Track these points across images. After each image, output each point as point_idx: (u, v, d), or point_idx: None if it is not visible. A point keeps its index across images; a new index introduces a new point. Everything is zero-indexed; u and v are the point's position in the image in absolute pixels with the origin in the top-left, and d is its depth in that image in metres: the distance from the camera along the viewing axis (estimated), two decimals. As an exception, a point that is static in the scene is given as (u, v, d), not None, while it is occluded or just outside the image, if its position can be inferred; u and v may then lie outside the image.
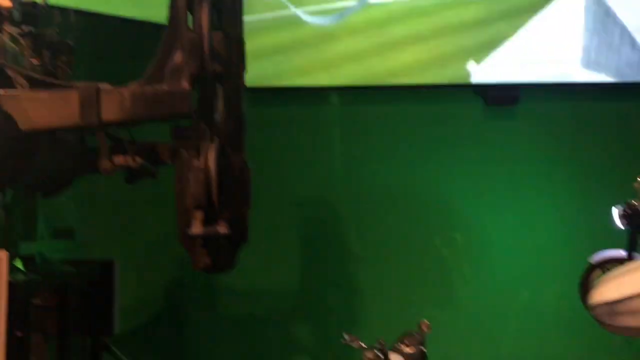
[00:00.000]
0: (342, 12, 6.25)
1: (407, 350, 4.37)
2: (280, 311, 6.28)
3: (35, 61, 3.55)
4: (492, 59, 6.15)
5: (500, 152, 6.34)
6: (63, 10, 4.05)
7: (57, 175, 3.86)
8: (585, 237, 5.89)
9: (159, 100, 3.30)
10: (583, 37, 6.13)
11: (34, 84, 3.39)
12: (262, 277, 6.26)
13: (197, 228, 3.40)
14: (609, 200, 5.49)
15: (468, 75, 6.18)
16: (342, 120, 6.47)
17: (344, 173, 6.40)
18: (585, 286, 5.15)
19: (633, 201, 5.27)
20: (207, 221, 3.43)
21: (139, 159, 3.70)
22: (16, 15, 3.60)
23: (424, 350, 4.72)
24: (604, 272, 5.08)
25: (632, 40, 6.08)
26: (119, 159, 3.65)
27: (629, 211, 5.26)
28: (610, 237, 5.36)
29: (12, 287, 3.18)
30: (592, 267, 5.44)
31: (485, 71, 6.18)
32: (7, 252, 3.18)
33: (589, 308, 4.64)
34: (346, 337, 4.14)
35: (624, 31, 6.09)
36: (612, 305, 4.50)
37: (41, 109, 3.28)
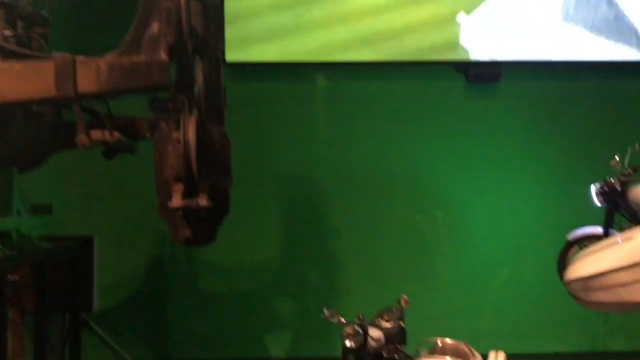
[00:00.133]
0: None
1: (386, 325, 4.40)
2: (261, 286, 6.30)
3: (8, 32, 3.45)
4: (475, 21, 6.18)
5: (481, 130, 6.36)
6: (37, -19, 3.96)
7: (33, 150, 3.79)
8: (566, 214, 5.96)
9: (136, 71, 3.23)
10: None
11: (7, 55, 3.30)
12: (244, 252, 6.27)
13: (177, 200, 3.37)
14: (590, 177, 5.56)
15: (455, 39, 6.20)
16: (323, 97, 6.43)
17: (325, 149, 6.39)
18: (563, 262, 5.23)
19: (611, 179, 5.34)
20: (187, 194, 3.40)
21: (116, 134, 3.64)
22: (-12, -14, 3.50)
23: (403, 325, 4.77)
24: (581, 249, 5.16)
25: (609, -3, 6.22)
26: (97, 134, 3.58)
27: (606, 189, 5.34)
28: (591, 214, 5.44)
29: (-12, 263, 3.14)
30: (570, 244, 5.52)
31: (468, 42, 6.19)
32: (-18, 228, 3.14)
33: (565, 283, 4.72)
34: (326, 312, 4.14)
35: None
36: (587, 280, 4.58)
37: (15, 81, 3.19)
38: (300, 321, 6.25)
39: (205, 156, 3.47)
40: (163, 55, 3.24)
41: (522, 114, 6.38)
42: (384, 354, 4.36)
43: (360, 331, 4.03)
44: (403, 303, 4.81)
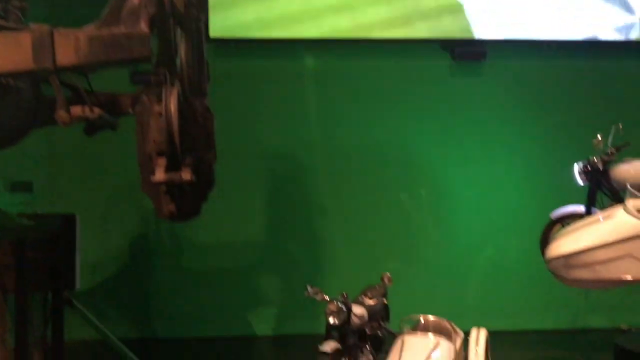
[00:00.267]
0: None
1: (370, 302, 4.44)
2: (245, 264, 6.29)
3: (-16, 5, 3.37)
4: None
5: (466, 108, 6.36)
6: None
7: (11, 126, 3.72)
8: (551, 193, 5.99)
9: (116, 43, 3.16)
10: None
11: (-17, 27, 3.23)
12: (228, 230, 6.25)
13: (159, 175, 3.33)
14: (575, 156, 5.58)
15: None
16: (309, 75, 6.38)
17: (311, 127, 6.36)
18: (546, 241, 5.27)
19: (593, 158, 5.37)
20: (170, 168, 3.36)
21: (97, 110, 3.57)
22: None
23: (386, 302, 4.81)
24: (563, 227, 5.21)
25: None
26: (77, 110, 3.51)
27: (589, 168, 5.37)
28: (576, 193, 5.47)
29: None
30: (553, 222, 5.57)
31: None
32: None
33: (546, 261, 4.77)
34: (309, 289, 4.17)
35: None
36: (567, 258, 4.63)
37: (-8, 53, 3.13)
38: (285, 299, 6.27)
39: (188, 129, 3.42)
40: (144, 27, 3.17)
41: (507, 92, 6.39)
42: (367, 331, 4.41)
43: (344, 308, 4.06)
44: (386, 280, 4.85)
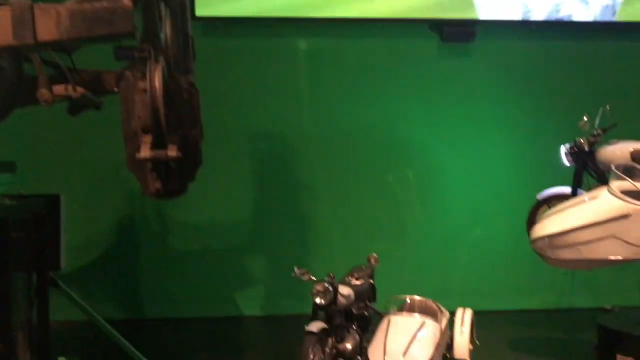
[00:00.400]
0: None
1: (356, 282, 4.45)
2: (233, 244, 6.29)
3: (-40, -20, 3.28)
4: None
5: (455, 89, 6.34)
6: None
7: (-8, 106, 3.67)
8: (539, 174, 6.00)
9: (98, 18, 3.08)
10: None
11: (-41, 2, 3.15)
12: (216, 210, 6.24)
13: (145, 152, 3.28)
14: (564, 137, 5.59)
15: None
16: (296, 55, 6.33)
17: (299, 107, 6.33)
18: (532, 221, 5.30)
19: (580, 139, 5.38)
20: (156, 145, 3.32)
21: (80, 89, 3.52)
22: None
23: (373, 282, 4.84)
24: (549, 208, 5.23)
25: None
26: (59, 89, 3.46)
27: (575, 149, 5.39)
28: (565, 174, 5.49)
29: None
30: (539, 203, 5.59)
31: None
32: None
33: (531, 242, 4.80)
34: (296, 270, 4.17)
35: None
36: (552, 238, 4.66)
37: (-31, 29, 3.06)
38: (273, 279, 6.27)
39: (173, 105, 3.38)
40: (126, 1, 3.10)
41: (496, 73, 6.37)
42: (354, 311, 4.43)
43: (330, 289, 4.07)
44: (373, 261, 4.86)
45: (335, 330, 4.18)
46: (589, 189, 5.20)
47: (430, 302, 4.66)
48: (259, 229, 6.32)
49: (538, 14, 6.30)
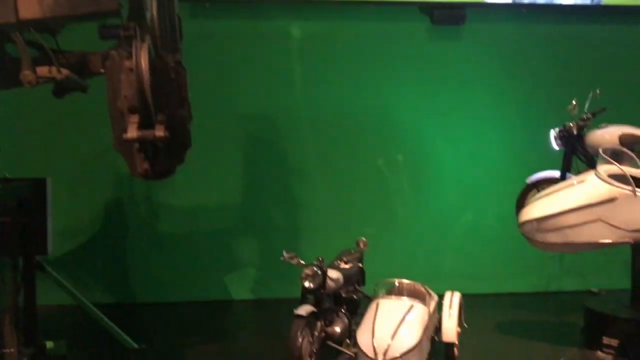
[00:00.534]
0: None
1: (345, 266, 4.46)
2: (222, 228, 6.26)
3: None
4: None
5: (445, 72, 6.32)
6: None
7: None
8: (530, 158, 5.99)
9: None
10: None
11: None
12: (205, 193, 6.20)
13: (132, 132, 3.25)
14: (555, 120, 5.59)
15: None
16: (285, 37, 6.27)
17: (289, 90, 6.28)
18: (521, 205, 5.31)
19: (569, 123, 5.39)
20: (143, 125, 3.28)
21: (65, 71, 3.47)
22: None
23: (362, 266, 4.84)
24: (538, 192, 5.25)
25: None
26: (43, 70, 3.41)
27: (565, 133, 5.39)
28: (556, 158, 5.49)
29: None
30: (528, 187, 5.61)
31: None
32: None
33: (519, 225, 4.82)
34: (285, 254, 4.17)
35: None
36: (539, 222, 4.67)
37: (-50, 8, 2.99)
38: (262, 263, 6.27)
39: (160, 85, 3.34)
40: None
41: (487, 56, 6.35)
42: (343, 294, 4.44)
43: (319, 272, 4.07)
44: (362, 245, 4.87)
45: (324, 314, 4.18)
46: (578, 173, 5.22)
47: (419, 286, 4.67)
48: (249, 213, 6.30)
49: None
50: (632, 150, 4.87)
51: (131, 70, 3.18)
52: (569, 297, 6.17)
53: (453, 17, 6.22)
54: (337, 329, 4.20)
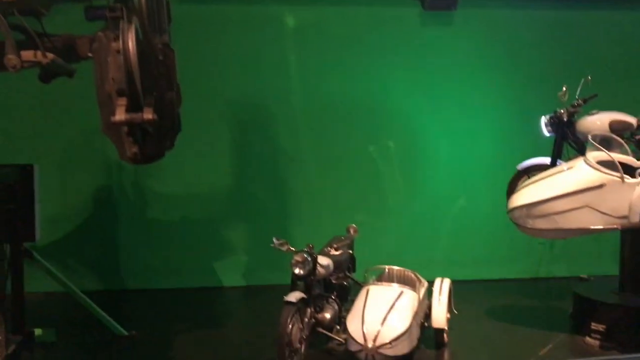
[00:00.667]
0: None
1: (335, 253, 4.46)
2: (212, 215, 6.24)
3: None
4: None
5: (437, 58, 6.28)
6: None
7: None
8: (523, 144, 5.97)
9: None
10: None
11: None
12: (195, 179, 6.17)
13: (120, 115, 3.20)
14: (547, 106, 5.57)
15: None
16: (276, 23, 6.21)
17: (280, 75, 6.23)
18: (512, 192, 5.30)
19: (560, 110, 5.38)
20: (132, 109, 3.23)
21: (50, 55, 3.41)
22: None
23: (352, 253, 4.84)
24: (529, 178, 5.24)
25: None
26: (28, 55, 3.35)
27: (555, 119, 5.38)
28: (550, 144, 5.47)
29: None
30: (519, 174, 5.60)
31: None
32: None
33: (508, 211, 4.82)
34: (275, 241, 4.15)
35: None
36: (528, 208, 4.67)
37: None
38: (253, 250, 6.25)
39: (148, 66, 3.29)
40: None
41: (479, 42, 6.32)
42: (333, 281, 4.44)
43: (309, 259, 4.06)
44: (352, 232, 4.87)
45: (314, 300, 4.18)
46: (569, 159, 5.21)
47: (409, 272, 4.68)
48: (239, 200, 6.28)
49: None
50: (622, 137, 4.87)
51: (118, 52, 3.13)
52: (558, 283, 6.21)
53: (445, 2, 6.18)
54: (327, 316, 4.20)
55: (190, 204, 6.19)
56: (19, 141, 5.75)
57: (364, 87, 6.27)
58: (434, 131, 6.37)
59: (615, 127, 5.09)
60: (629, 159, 4.61)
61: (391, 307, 4.05)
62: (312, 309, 4.15)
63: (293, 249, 4.14)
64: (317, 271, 4.13)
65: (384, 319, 3.98)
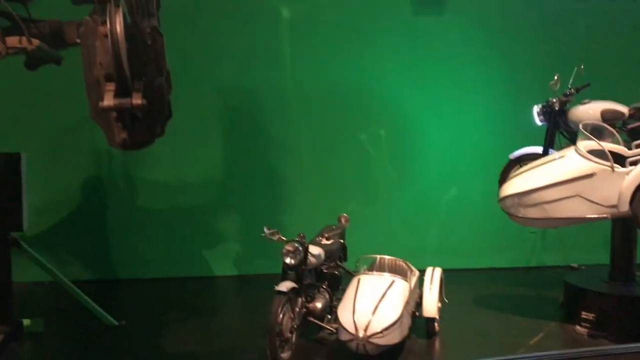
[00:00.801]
0: None
1: (327, 242, 4.44)
2: (203, 203, 6.19)
3: None
4: None
5: (428, 46, 6.24)
6: None
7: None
8: (515, 133, 5.95)
9: None
10: None
11: None
12: (185, 168, 6.12)
13: (108, 100, 3.15)
14: (539, 95, 5.55)
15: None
16: (269, 9, 6.14)
17: (271, 63, 6.17)
18: (504, 181, 5.30)
19: (552, 99, 5.36)
20: (120, 93, 3.18)
21: (36, 41, 3.35)
22: None
23: (343, 242, 4.83)
24: (521, 167, 5.23)
25: None
26: (13, 41, 3.29)
27: (547, 109, 5.37)
28: (542, 133, 5.46)
29: None
30: (511, 162, 5.59)
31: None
32: None
33: (499, 200, 4.82)
34: (266, 230, 4.14)
35: None
36: (519, 197, 4.68)
37: None
38: (243, 239, 6.22)
39: (136, 51, 3.24)
40: None
41: (471, 29, 6.27)
42: (324, 270, 4.43)
43: (300, 248, 4.05)
44: (343, 221, 4.85)
45: (305, 290, 4.18)
46: (561, 148, 5.20)
47: (400, 261, 4.68)
48: (230, 188, 6.24)
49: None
50: (614, 126, 4.87)
51: (106, 36, 3.07)
52: (549, 272, 6.22)
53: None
54: (318, 305, 4.20)
55: (181, 193, 6.14)
56: (5, 129, 5.67)
57: (354, 76, 6.22)
58: (426, 120, 6.34)
59: (607, 116, 5.08)
60: (620, 148, 4.60)
61: (382, 297, 4.05)
62: (303, 299, 4.14)
63: (284, 238, 4.12)
64: (308, 260, 4.12)
65: (375, 309, 3.97)
